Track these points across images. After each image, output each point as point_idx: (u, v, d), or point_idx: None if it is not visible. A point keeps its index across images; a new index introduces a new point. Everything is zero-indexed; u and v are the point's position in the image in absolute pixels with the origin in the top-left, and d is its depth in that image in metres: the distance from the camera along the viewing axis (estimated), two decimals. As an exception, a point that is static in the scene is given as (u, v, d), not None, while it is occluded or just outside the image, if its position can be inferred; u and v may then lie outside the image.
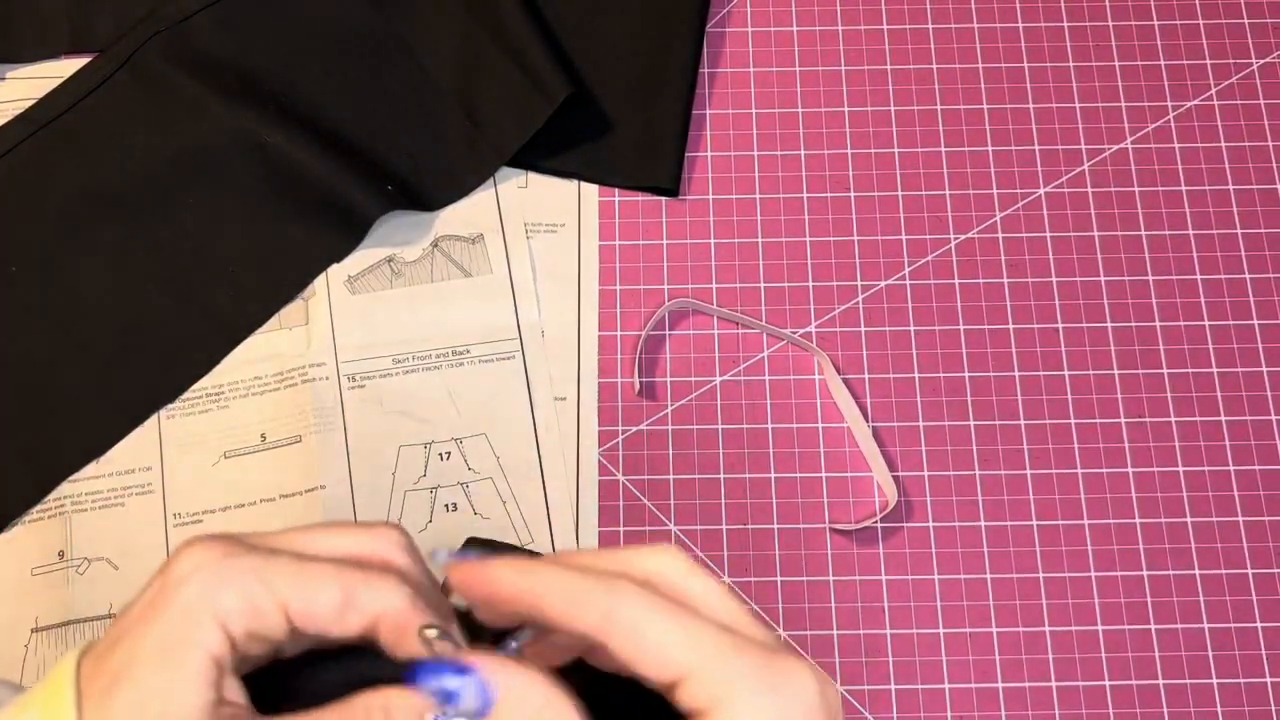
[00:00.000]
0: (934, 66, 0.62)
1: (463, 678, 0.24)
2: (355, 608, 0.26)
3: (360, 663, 0.27)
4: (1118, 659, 0.52)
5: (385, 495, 0.55)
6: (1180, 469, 0.55)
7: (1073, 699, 0.52)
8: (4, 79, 0.62)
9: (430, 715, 0.24)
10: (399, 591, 0.26)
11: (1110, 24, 0.63)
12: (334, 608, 0.26)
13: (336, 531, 0.28)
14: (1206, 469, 0.55)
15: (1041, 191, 0.60)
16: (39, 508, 0.55)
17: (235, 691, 0.26)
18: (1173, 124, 0.61)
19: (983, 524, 0.55)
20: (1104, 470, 0.55)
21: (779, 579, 0.54)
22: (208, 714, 0.25)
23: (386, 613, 0.26)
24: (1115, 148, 0.61)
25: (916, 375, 0.57)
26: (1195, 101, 0.61)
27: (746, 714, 0.23)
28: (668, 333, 0.58)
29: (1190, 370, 0.57)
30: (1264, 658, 0.52)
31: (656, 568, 0.26)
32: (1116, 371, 0.57)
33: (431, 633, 0.25)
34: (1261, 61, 0.62)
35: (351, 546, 0.28)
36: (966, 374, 0.57)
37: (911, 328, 0.58)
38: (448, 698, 0.24)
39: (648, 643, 0.24)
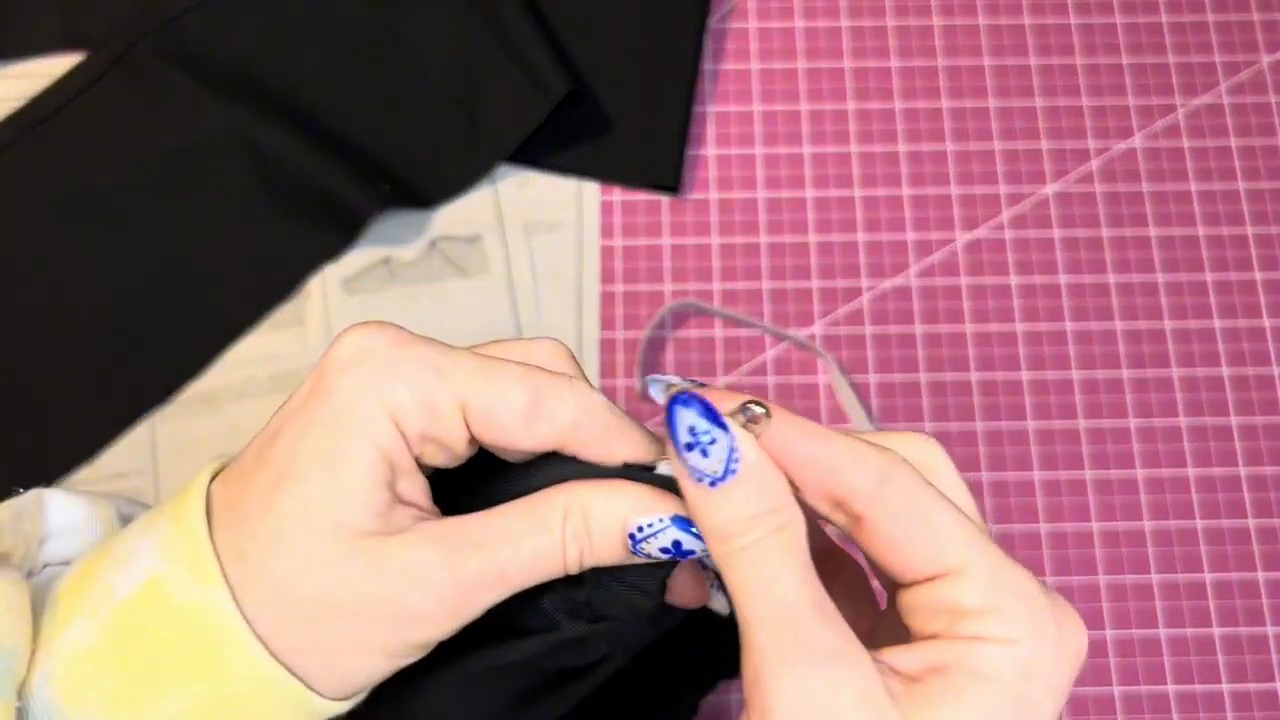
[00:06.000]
0: (940, 63, 0.61)
1: (712, 432, 0.21)
2: (545, 415, 0.23)
3: (558, 469, 0.24)
4: (1125, 664, 0.52)
5: (383, 500, 0.54)
6: (1190, 472, 0.54)
7: (1080, 706, 0.51)
8: (-7, 76, 0.61)
9: (634, 522, 0.22)
10: (596, 397, 0.23)
11: (1118, 20, 0.62)
12: (520, 411, 0.23)
13: (500, 346, 0.25)
14: (1216, 472, 0.54)
15: (1049, 190, 0.59)
16: (30, 513, 0.54)
17: (417, 490, 0.23)
18: (1182, 121, 0.60)
19: (989, 528, 0.54)
20: (1112, 474, 0.55)
21: (783, 584, 0.53)
22: (380, 517, 0.22)
23: (583, 419, 0.23)
24: (1123, 145, 0.60)
25: (923, 377, 0.56)
26: (1205, 98, 0.61)
27: (1027, 637, 0.21)
28: (670, 334, 0.57)
29: (1200, 372, 0.56)
30: (1274, 663, 0.52)
31: (918, 456, 0.23)
32: (1125, 373, 0.56)
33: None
34: (1271, 58, 0.61)
35: (516, 356, 0.24)
36: (973, 376, 0.56)
37: (917, 329, 0.57)
38: (691, 446, 0.21)
39: (927, 526, 0.21)
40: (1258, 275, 0.57)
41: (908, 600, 0.22)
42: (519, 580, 0.23)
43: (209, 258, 0.58)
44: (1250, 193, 0.59)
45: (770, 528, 0.21)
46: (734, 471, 0.21)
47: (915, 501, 0.21)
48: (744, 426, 0.22)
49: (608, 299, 0.57)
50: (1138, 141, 0.60)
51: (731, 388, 0.56)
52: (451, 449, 0.23)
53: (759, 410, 0.22)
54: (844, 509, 0.22)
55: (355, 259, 0.58)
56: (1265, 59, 0.61)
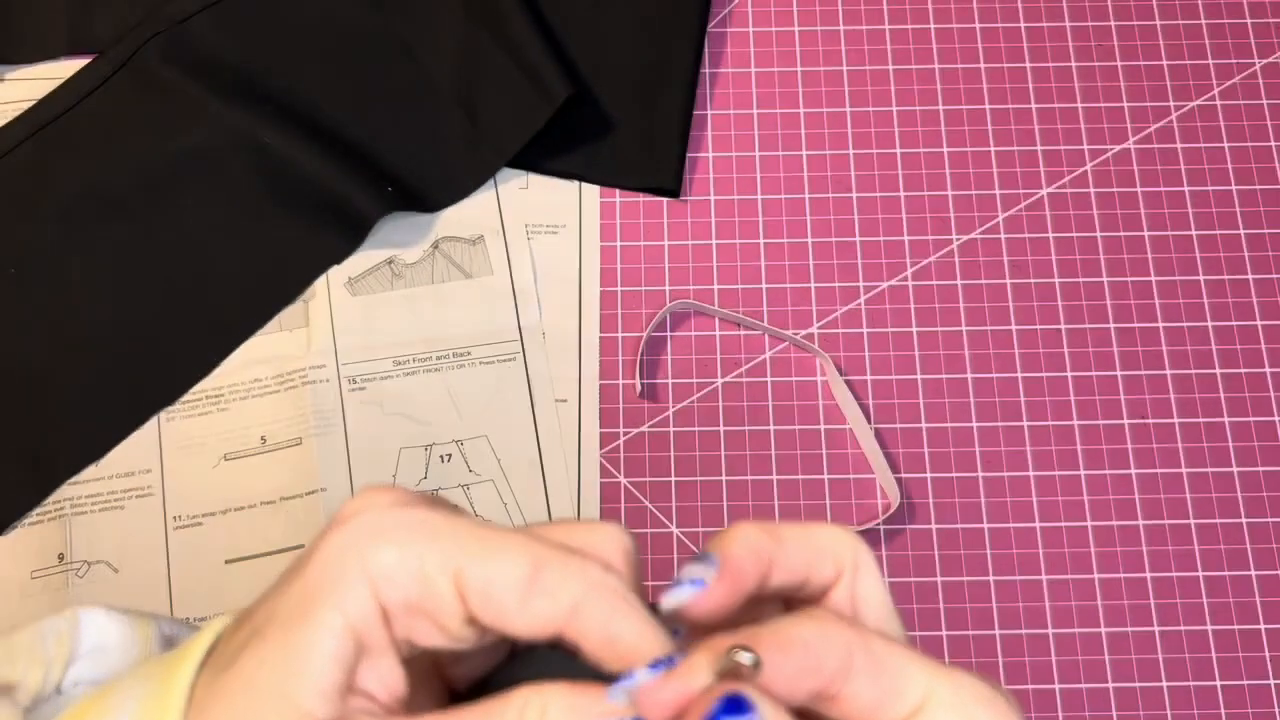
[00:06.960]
0: (936, 66, 0.62)
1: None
2: (544, 590, 0.21)
3: (552, 666, 0.21)
4: (1121, 661, 0.52)
5: (386, 498, 0.54)
6: (1184, 470, 0.55)
7: (1076, 702, 0.52)
8: (3, 80, 0.62)
9: None
10: (610, 581, 0.21)
11: (1113, 24, 0.63)
12: (518, 585, 0.20)
13: (556, 529, 0.23)
14: (1210, 470, 0.55)
15: (1044, 192, 0.60)
16: (39, 510, 0.54)
17: (381, 679, 0.21)
18: (1175, 124, 0.61)
19: (986, 526, 0.54)
20: (1107, 472, 0.55)
21: (781, 581, 0.54)
22: (322, 697, 0.20)
23: (587, 602, 0.21)
24: (1118, 148, 0.60)
25: (919, 376, 0.57)
26: (1198, 101, 0.61)
27: None
28: (669, 334, 0.58)
29: (1194, 371, 0.56)
30: (1268, 660, 0.52)
31: (844, 556, 0.23)
32: (1119, 372, 0.57)
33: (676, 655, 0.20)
34: (1264, 61, 0.62)
35: (562, 538, 0.22)
36: (969, 375, 0.57)
37: (914, 329, 0.57)
38: None
39: (894, 677, 0.20)
40: (1250, 276, 0.58)
41: None
42: None
43: (216, 260, 0.58)
44: (1243, 194, 0.59)
45: None
46: None
47: (879, 658, 0.21)
48: (740, 681, 0.19)
49: (608, 299, 0.58)
50: (1132, 144, 0.61)
51: (730, 388, 0.57)
52: (446, 627, 0.21)
53: (748, 661, 0.20)
54: (822, 693, 0.21)
55: (359, 260, 0.58)
56: (1258, 62, 0.62)
